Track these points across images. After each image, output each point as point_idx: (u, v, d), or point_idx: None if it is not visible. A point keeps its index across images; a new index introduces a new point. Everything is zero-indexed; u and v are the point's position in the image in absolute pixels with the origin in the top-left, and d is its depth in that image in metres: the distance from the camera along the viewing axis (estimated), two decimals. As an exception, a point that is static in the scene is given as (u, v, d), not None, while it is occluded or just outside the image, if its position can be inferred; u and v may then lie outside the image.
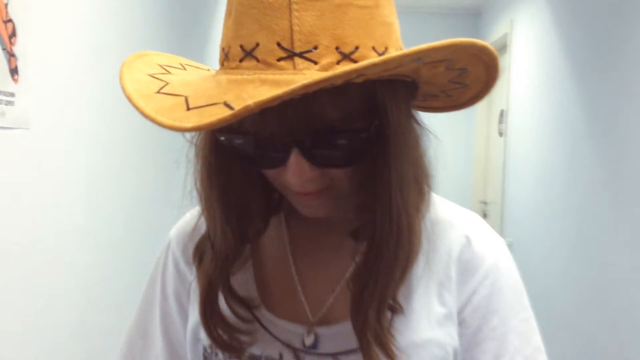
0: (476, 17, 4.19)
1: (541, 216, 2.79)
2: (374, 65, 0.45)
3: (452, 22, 4.23)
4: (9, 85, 0.96)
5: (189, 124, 0.45)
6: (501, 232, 3.41)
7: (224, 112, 0.44)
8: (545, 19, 2.83)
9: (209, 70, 0.63)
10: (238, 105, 0.44)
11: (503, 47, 3.63)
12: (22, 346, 1.07)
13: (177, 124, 0.45)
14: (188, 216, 0.73)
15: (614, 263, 1.97)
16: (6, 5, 0.93)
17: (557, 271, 2.55)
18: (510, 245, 3.19)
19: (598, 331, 2.07)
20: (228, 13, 0.55)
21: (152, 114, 0.47)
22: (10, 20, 0.95)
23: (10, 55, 0.96)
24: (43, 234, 1.13)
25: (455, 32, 4.23)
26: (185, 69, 0.60)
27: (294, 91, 0.43)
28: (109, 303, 1.48)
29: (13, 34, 0.96)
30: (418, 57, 0.49)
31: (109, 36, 1.44)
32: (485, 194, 4.03)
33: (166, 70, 0.58)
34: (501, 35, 3.50)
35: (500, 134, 3.67)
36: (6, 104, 0.95)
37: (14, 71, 0.97)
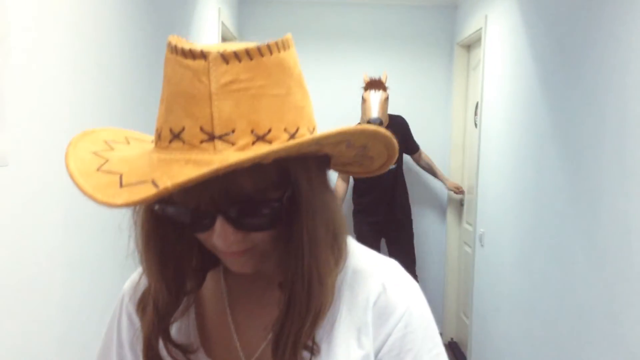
0: (453, 10, 4.26)
1: (510, 207, 2.89)
2: (274, 152, 0.53)
3: (430, 15, 4.30)
4: (-7, 129, 1.07)
5: (120, 201, 0.52)
6: (475, 220, 3.54)
7: (150, 191, 0.51)
8: (516, 16, 2.91)
9: (152, 142, 0.67)
10: (162, 184, 0.51)
11: (477, 40, 3.71)
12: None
13: (110, 200, 0.52)
14: (140, 271, 0.77)
15: (571, 253, 2.11)
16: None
17: (522, 262, 2.69)
18: (482, 235, 3.33)
19: (559, 315, 2.23)
20: (162, 100, 0.61)
21: (90, 190, 0.54)
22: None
23: (-7, 102, 1.07)
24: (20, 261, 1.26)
25: (433, 24, 4.29)
26: (129, 143, 0.67)
27: (204, 175, 0.50)
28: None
29: (-6, 84, 1.07)
30: (316, 141, 0.57)
31: (86, 76, 1.52)
32: (462, 182, 4.16)
33: (110, 146, 0.65)
34: (476, 30, 3.57)
35: (476, 125, 3.77)
36: (-9, 147, 1.07)
37: (-4, 116, 1.09)
